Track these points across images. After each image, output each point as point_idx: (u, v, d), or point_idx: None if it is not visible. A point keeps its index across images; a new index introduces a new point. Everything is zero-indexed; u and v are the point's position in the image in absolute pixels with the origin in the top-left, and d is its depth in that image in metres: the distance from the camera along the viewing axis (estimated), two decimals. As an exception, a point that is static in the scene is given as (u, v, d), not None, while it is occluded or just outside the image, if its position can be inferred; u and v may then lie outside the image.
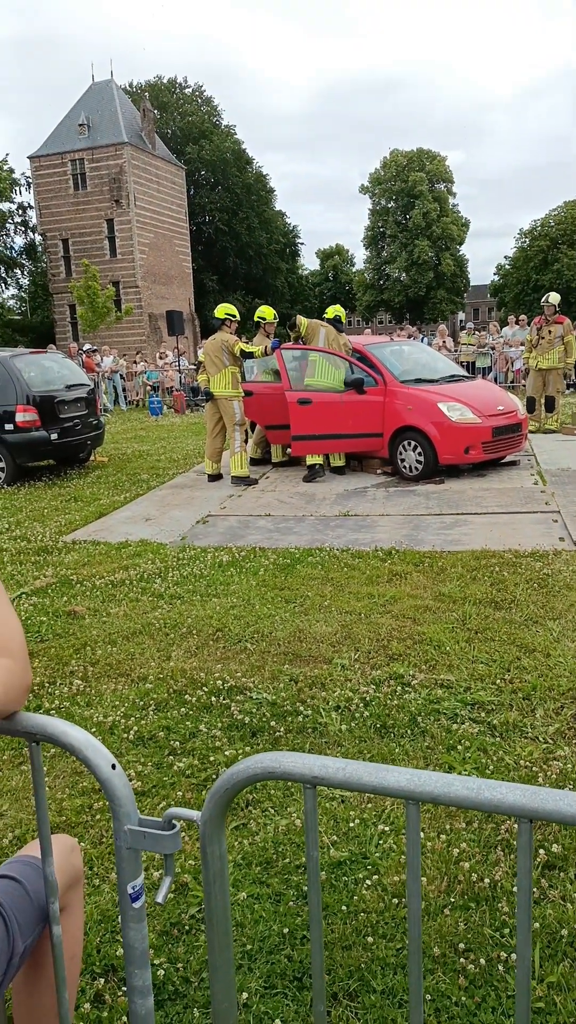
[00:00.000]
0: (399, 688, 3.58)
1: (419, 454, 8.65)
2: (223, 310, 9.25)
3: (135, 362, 25.25)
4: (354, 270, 73.09)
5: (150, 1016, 1.34)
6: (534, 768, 2.89)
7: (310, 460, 9.11)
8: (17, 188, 44.73)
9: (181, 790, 2.87)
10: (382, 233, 59.43)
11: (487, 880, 2.31)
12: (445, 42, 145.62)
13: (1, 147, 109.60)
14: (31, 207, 45.11)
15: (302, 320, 9.51)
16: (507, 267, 58.99)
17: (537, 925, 2.13)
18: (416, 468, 8.70)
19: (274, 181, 67.71)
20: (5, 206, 44.43)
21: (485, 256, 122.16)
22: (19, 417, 9.46)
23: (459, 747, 3.05)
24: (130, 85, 53.99)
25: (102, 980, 2.04)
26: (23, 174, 44.79)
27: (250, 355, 8.99)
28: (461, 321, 66.63)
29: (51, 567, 5.95)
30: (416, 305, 58.00)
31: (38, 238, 45.01)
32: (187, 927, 2.22)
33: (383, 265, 59.52)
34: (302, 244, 69.84)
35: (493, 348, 19.93)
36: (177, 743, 3.21)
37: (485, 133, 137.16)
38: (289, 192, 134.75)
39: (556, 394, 11.96)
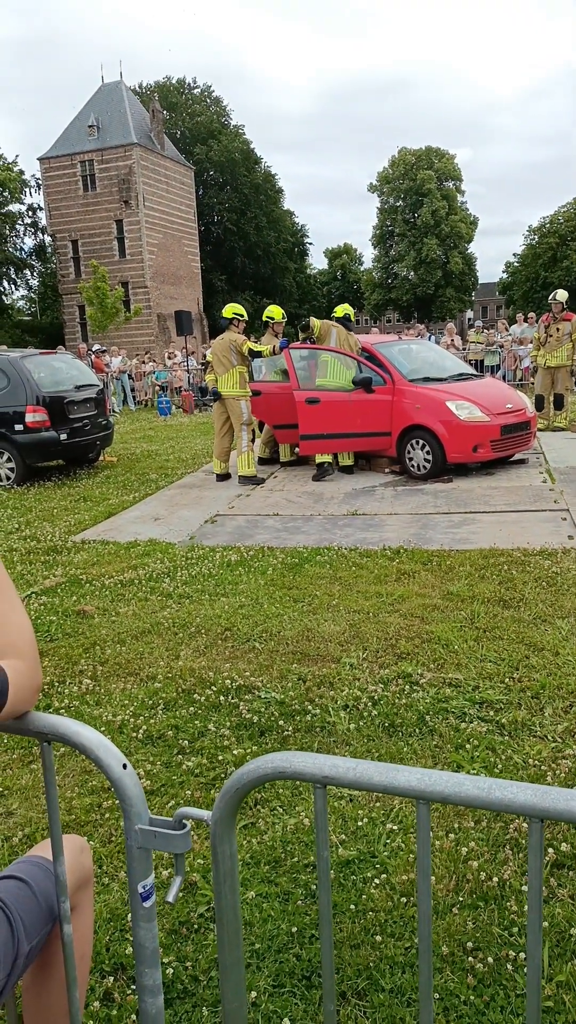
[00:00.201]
0: (407, 687, 3.58)
1: (427, 453, 8.64)
2: (231, 310, 9.26)
3: (143, 362, 25.30)
4: (362, 269, 73.01)
5: (160, 1015, 1.35)
6: (543, 767, 2.88)
7: (319, 459, 9.11)
8: (27, 189, 44.99)
9: (190, 789, 2.88)
10: (390, 232, 59.34)
11: (495, 879, 2.31)
12: (451, 40, 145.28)
13: (11, 149, 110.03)
14: (41, 208, 45.34)
15: (315, 322, 9.52)
16: (516, 264, 58.81)
17: (546, 924, 2.13)
18: (424, 467, 8.68)
19: (282, 182, 67.72)
20: (15, 207, 44.69)
21: (494, 254, 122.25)
22: (29, 417, 9.50)
23: (468, 746, 3.05)
24: (139, 86, 54.18)
25: (111, 978, 2.05)
26: (33, 175, 45.06)
27: (258, 354, 9.00)
28: (469, 319, 66.41)
29: (60, 567, 5.98)
30: (424, 303, 57.88)
31: (48, 239, 45.21)
32: (196, 926, 2.23)
33: (391, 264, 59.42)
34: (310, 244, 69.92)
35: (502, 346, 19.86)
36: (186, 742, 3.22)
37: (493, 130, 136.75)
38: (296, 193, 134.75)
39: (565, 392, 11.91)
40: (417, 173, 55.79)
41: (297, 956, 2.09)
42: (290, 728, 3.28)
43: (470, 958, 2.03)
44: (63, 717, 1.31)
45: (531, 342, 14.29)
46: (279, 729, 3.28)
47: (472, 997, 1.91)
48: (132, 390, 23.41)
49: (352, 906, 2.25)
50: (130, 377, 23.39)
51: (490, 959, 2.02)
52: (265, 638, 4.30)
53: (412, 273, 57.38)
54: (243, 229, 54.79)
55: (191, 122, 54.92)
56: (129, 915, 2.20)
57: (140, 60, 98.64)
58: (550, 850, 2.41)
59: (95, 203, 43.01)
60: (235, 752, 3.11)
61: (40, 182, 44.52)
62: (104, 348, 22.69)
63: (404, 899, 2.26)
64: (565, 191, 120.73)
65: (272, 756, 1.19)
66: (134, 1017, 1.91)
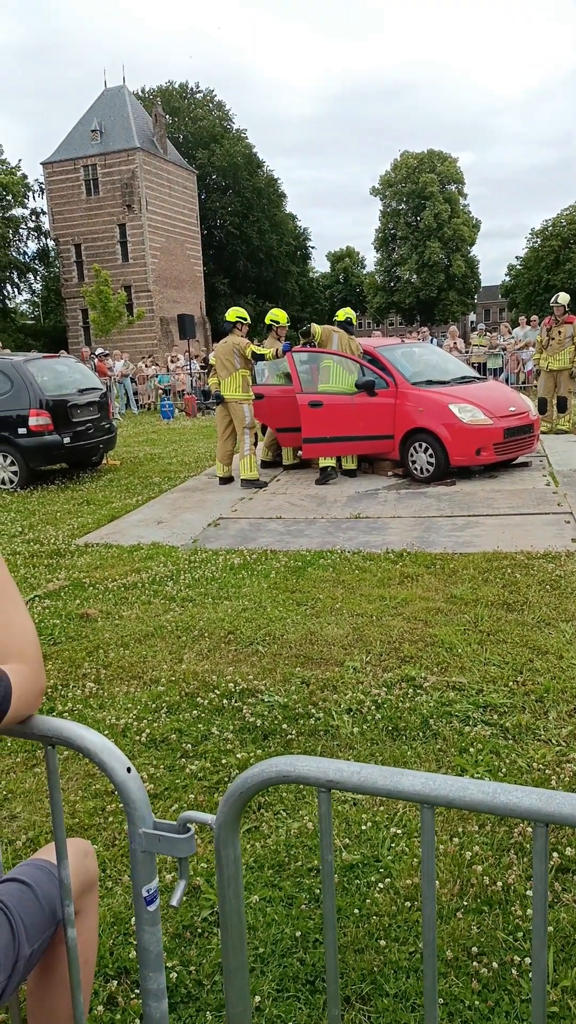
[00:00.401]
0: (411, 690, 3.58)
1: (430, 456, 8.64)
2: (234, 313, 9.28)
3: (146, 366, 25.34)
4: (364, 272, 73.08)
5: (164, 1019, 1.34)
6: (547, 771, 2.88)
7: (323, 463, 9.11)
8: (30, 194, 45.15)
9: (193, 792, 2.88)
10: (393, 235, 59.40)
11: (500, 883, 2.30)
12: (453, 44, 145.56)
13: (15, 153, 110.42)
14: (44, 212, 45.47)
15: (316, 328, 9.52)
16: (518, 267, 58.80)
17: (551, 929, 2.12)
18: (427, 470, 8.68)
19: (284, 186, 67.64)
20: (19, 211, 44.83)
21: (496, 256, 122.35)
22: (32, 421, 9.51)
23: (471, 750, 3.04)
24: (142, 90, 54.34)
25: (115, 983, 2.04)
26: (36, 180, 45.20)
27: (261, 357, 9.01)
28: (472, 322, 66.45)
29: (64, 570, 5.98)
30: (427, 307, 57.91)
31: (51, 243, 45.32)
32: (199, 930, 2.22)
33: (394, 267, 59.47)
34: (312, 247, 70.04)
35: (504, 349, 19.86)
36: (189, 746, 3.22)
37: (495, 133, 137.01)
38: (299, 196, 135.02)
39: (568, 395, 11.91)
40: (419, 176, 55.86)
41: (301, 960, 2.08)
42: (293, 732, 3.28)
43: (474, 963, 2.02)
44: (67, 720, 1.31)
45: (533, 345, 14.29)
46: (282, 733, 3.28)
47: (477, 1002, 1.90)
48: (135, 394, 23.45)
49: (356, 910, 2.24)
50: (133, 381, 23.43)
51: (495, 964, 2.01)
52: (268, 641, 4.30)
53: (415, 276, 57.42)
54: (245, 233, 54.89)
55: (193, 126, 55.06)
56: (133, 919, 2.20)
57: (142, 65, 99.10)
58: (555, 854, 2.40)
59: (98, 207, 43.12)
60: (238, 756, 3.10)
61: (43, 186, 44.65)
62: (107, 352, 22.71)
63: (408, 903, 2.25)
64: (568, 194, 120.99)
65: (276, 760, 1.19)
66: (138, 1021, 1.91)
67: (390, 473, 9.33)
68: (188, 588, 5.36)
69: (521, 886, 2.29)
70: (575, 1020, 1.84)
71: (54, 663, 4.17)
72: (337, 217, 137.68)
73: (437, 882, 2.32)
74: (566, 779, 2.82)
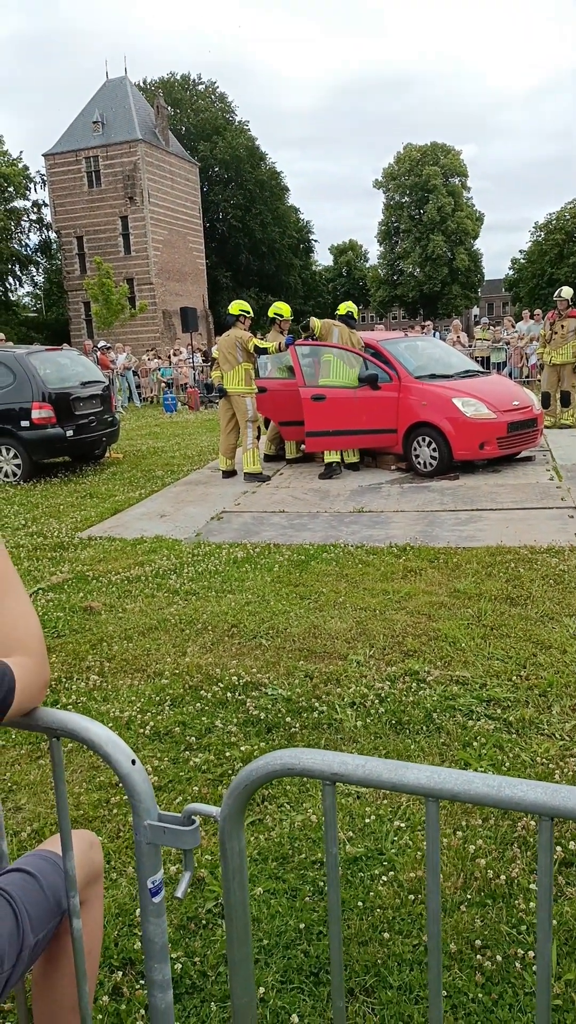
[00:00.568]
0: (414, 684, 3.58)
1: (433, 450, 8.62)
2: (237, 307, 9.26)
3: (149, 359, 25.31)
4: (367, 266, 72.85)
5: (169, 1010, 1.35)
6: (551, 765, 2.88)
7: (328, 458, 9.10)
8: (32, 186, 45.08)
9: (197, 785, 2.89)
10: (396, 228, 59.18)
11: (503, 877, 2.31)
12: (457, 36, 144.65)
13: (16, 145, 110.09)
14: (46, 205, 45.39)
15: (316, 322, 9.51)
16: (522, 261, 58.57)
17: (555, 923, 2.12)
18: (431, 464, 8.67)
19: (286, 179, 67.51)
20: (20, 203, 44.77)
21: (499, 250, 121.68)
22: (35, 414, 9.52)
23: (475, 744, 3.05)
24: (144, 82, 54.12)
25: (120, 973, 2.05)
26: (38, 171, 45.14)
27: (264, 351, 9.00)
28: (475, 316, 66.22)
29: (67, 563, 5.99)
30: (430, 300, 57.73)
31: (53, 235, 45.25)
32: (204, 921, 2.23)
33: (397, 260, 59.27)
34: (315, 240, 69.73)
35: (508, 343, 19.80)
36: (193, 738, 3.23)
37: (499, 126, 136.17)
38: (301, 189, 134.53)
39: (571, 389, 11.88)
40: (423, 169, 55.61)
41: (305, 952, 2.09)
42: (297, 725, 3.29)
43: (478, 956, 2.03)
44: (72, 713, 1.31)
45: (537, 339, 14.25)
46: (286, 726, 3.28)
47: (480, 995, 1.91)
48: (137, 387, 23.44)
49: (360, 903, 2.25)
50: (135, 374, 23.42)
51: (499, 957, 2.01)
52: (272, 635, 4.30)
53: (418, 270, 57.24)
54: (248, 226, 54.74)
55: (196, 118, 54.87)
56: (138, 910, 2.21)
57: (144, 56, 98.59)
58: (558, 848, 2.41)
59: (100, 199, 43.03)
60: (242, 748, 3.11)
61: (45, 178, 44.58)
62: (109, 345, 22.70)
63: (412, 896, 2.26)
64: (572, 187, 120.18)
65: (281, 753, 1.19)
66: (143, 1012, 1.92)
67: (393, 467, 9.32)
68: (191, 581, 5.37)
69: (525, 879, 2.30)
70: (578, 1012, 1.84)
71: (58, 656, 4.18)
72: (340, 210, 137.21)
73: (441, 875, 2.33)
74: (570, 773, 2.82)
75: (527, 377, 18.74)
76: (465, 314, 60.79)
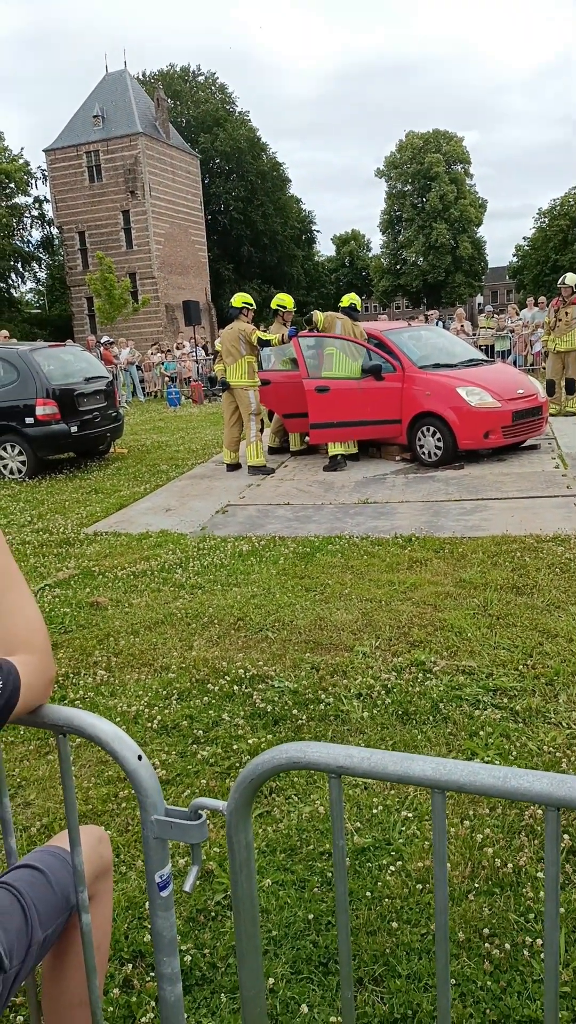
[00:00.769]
0: (421, 675, 3.58)
1: (438, 440, 8.60)
2: (239, 299, 9.23)
3: (152, 353, 25.28)
4: (370, 255, 72.51)
5: (179, 1002, 1.36)
6: (558, 754, 2.88)
7: (332, 450, 9.08)
8: (33, 181, 44.96)
9: (205, 778, 2.90)
10: (399, 217, 58.88)
11: (511, 866, 2.31)
12: (457, 20, 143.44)
13: (17, 141, 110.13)
14: (47, 200, 45.28)
15: (318, 315, 9.47)
16: (526, 248, 58.24)
17: (563, 911, 2.13)
18: (435, 454, 8.65)
19: (288, 169, 67.11)
20: (22, 200, 44.68)
21: (503, 237, 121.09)
22: (39, 410, 9.53)
23: (482, 733, 3.05)
24: (143, 75, 53.84)
25: (130, 966, 2.07)
26: (39, 167, 45.00)
27: (267, 343, 8.98)
28: (479, 304, 65.92)
29: (73, 559, 6.00)
30: (434, 289, 57.47)
31: (55, 231, 45.17)
32: (213, 913, 2.24)
33: (400, 249, 58.98)
34: (318, 231, 69.56)
35: (512, 331, 19.71)
36: (200, 732, 3.24)
37: (502, 112, 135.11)
38: (303, 179, 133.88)
39: (577, 377, 11.82)
40: (425, 157, 55.27)
41: (314, 943, 2.10)
42: (304, 717, 3.29)
43: (486, 944, 2.03)
44: (78, 709, 1.31)
45: (542, 327, 14.17)
46: (293, 718, 3.29)
47: (489, 983, 1.92)
48: (141, 381, 23.43)
49: (368, 893, 2.26)
50: (139, 368, 23.40)
51: (507, 945, 2.02)
52: (278, 627, 4.31)
53: (421, 259, 56.96)
54: (250, 217, 54.54)
55: (196, 110, 54.61)
56: (147, 903, 2.22)
57: (143, 49, 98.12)
58: (565, 837, 2.41)
59: (101, 194, 42.91)
60: (249, 741, 3.12)
61: (46, 174, 44.45)
62: (112, 340, 22.69)
63: (420, 886, 2.27)
64: None
65: (287, 746, 1.19)
66: (153, 1004, 1.93)
67: (398, 458, 9.30)
68: (197, 575, 5.38)
69: (532, 868, 2.30)
70: (587, 1000, 1.85)
71: (65, 651, 4.20)
72: (342, 200, 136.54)
73: (449, 865, 2.33)
74: (577, 762, 2.82)
75: (532, 365, 18.66)
76: (469, 302, 60.43)
